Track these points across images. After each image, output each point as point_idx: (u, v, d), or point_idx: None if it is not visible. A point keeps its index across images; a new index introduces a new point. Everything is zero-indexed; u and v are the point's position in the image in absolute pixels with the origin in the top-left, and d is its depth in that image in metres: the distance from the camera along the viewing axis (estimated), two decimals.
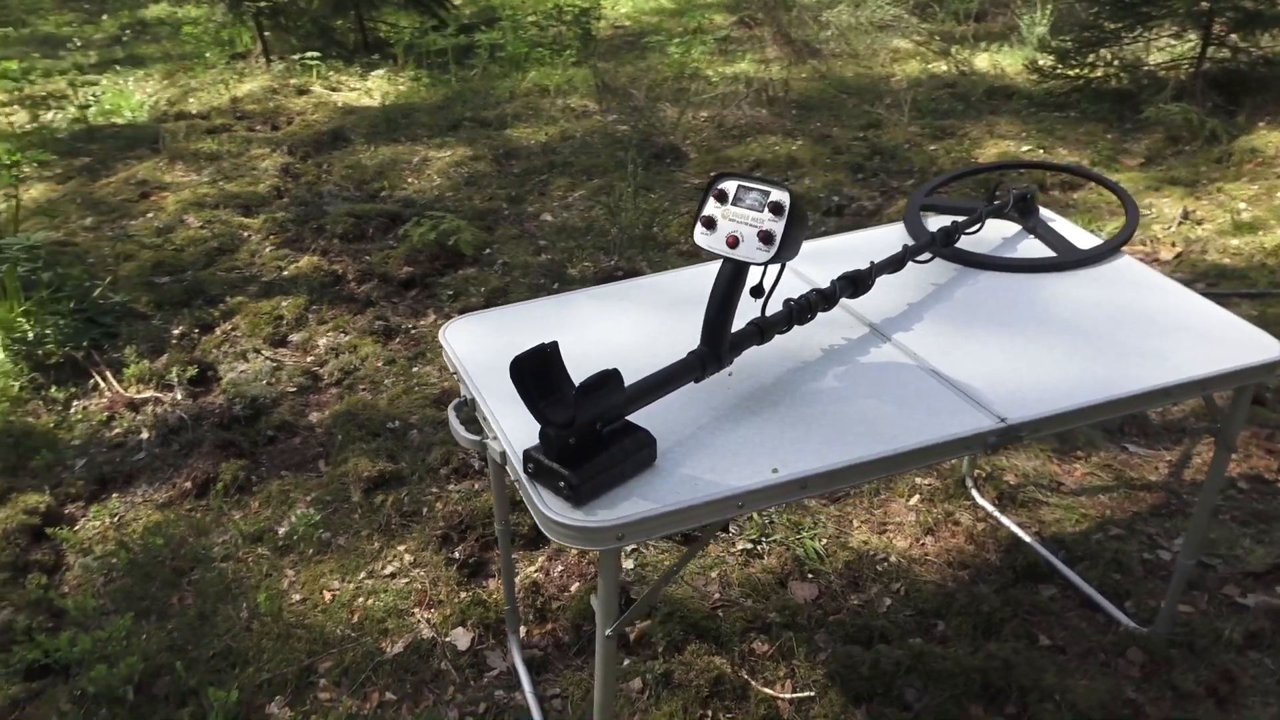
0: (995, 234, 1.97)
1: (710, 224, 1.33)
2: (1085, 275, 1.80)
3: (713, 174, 1.37)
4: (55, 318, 3.27)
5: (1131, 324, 1.63)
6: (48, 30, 9.58)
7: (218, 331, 3.36)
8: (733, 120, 5.20)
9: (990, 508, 2.34)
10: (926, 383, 1.45)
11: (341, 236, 4.10)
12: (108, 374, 3.05)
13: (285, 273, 3.75)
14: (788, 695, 1.85)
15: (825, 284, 1.57)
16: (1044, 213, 2.03)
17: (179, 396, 2.97)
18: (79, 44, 8.84)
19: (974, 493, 2.39)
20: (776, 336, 1.48)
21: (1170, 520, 2.29)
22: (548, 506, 1.16)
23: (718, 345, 1.34)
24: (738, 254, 1.30)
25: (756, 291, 1.39)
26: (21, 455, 2.67)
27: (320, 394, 3.00)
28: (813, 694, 1.84)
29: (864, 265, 1.62)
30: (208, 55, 8.27)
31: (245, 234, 4.17)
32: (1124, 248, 1.88)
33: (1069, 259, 1.84)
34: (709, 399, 1.40)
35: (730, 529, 2.31)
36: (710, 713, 1.81)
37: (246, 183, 4.78)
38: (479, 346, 1.58)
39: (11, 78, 5.67)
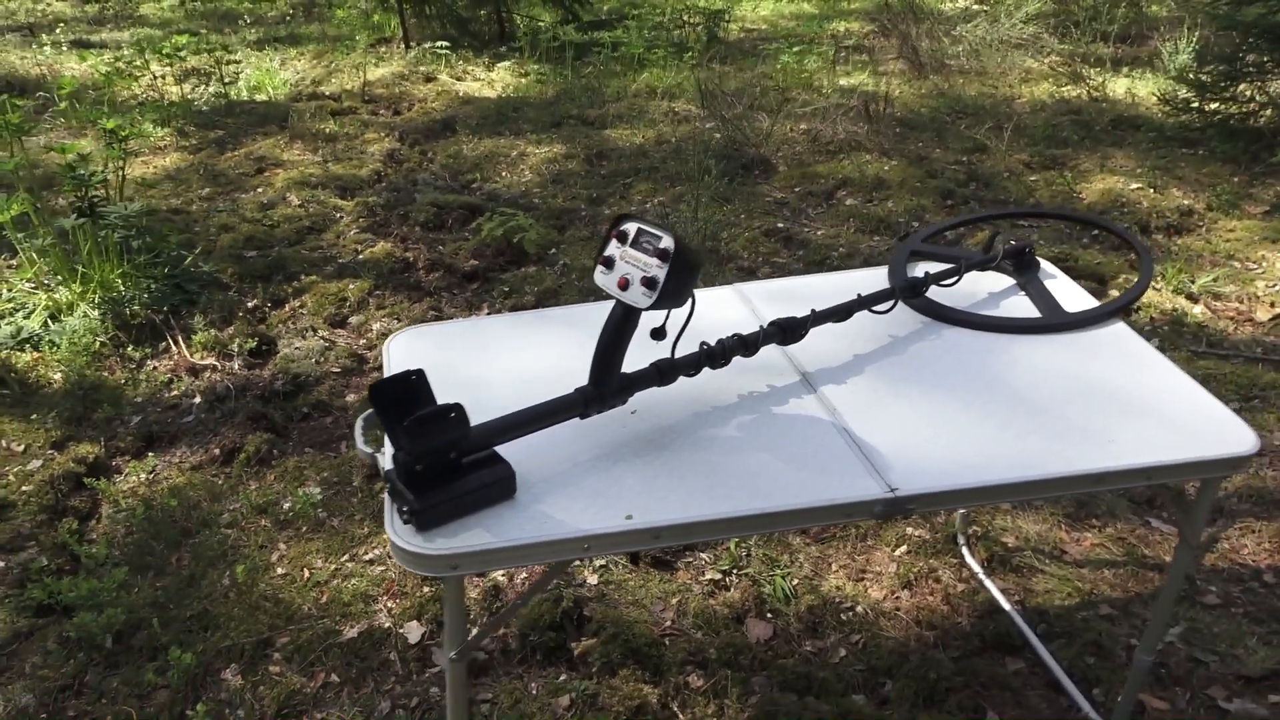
0: (983, 287, 1.88)
1: (609, 264, 1.34)
2: (1064, 341, 1.70)
3: (619, 214, 1.38)
4: (149, 281, 3.56)
5: (1090, 399, 1.53)
6: (229, 6, 10.32)
7: (287, 308, 3.58)
8: (829, 135, 5.09)
9: (976, 568, 2.23)
10: (832, 441, 1.41)
11: (423, 225, 4.27)
12: (179, 339, 3.30)
13: (360, 256, 3.95)
14: None
15: (777, 320, 1.55)
16: (1046, 268, 1.92)
17: (235, 367, 3.18)
18: (249, 21, 9.49)
19: (964, 550, 2.29)
20: (700, 376, 1.48)
21: (1173, 607, 2.13)
22: (393, 527, 1.21)
23: (602, 385, 1.34)
24: (626, 296, 1.30)
25: (656, 334, 1.38)
26: (88, 407, 2.93)
27: (362, 376, 3.15)
28: None
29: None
30: (357, 38, 8.70)
31: (338, 215, 4.40)
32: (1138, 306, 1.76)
33: (1052, 321, 1.74)
34: (599, 435, 1.41)
35: (704, 556, 2.30)
36: None
37: (352, 165, 5.04)
38: (415, 360, 1.64)
39: (165, 52, 6.15)
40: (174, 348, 3.28)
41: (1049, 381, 1.57)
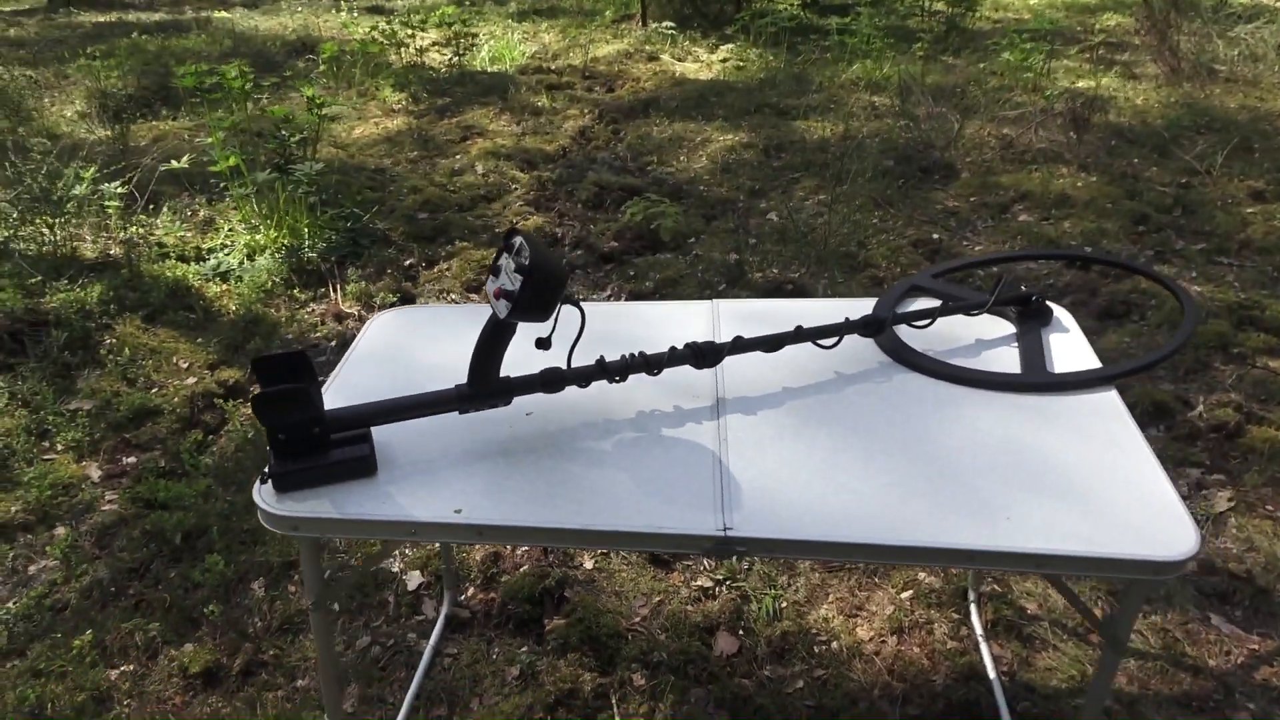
0: (974, 333, 1.75)
1: (495, 273, 1.42)
2: (1030, 403, 1.56)
3: (510, 229, 1.45)
4: (331, 233, 4.03)
5: (1014, 470, 1.41)
6: None
7: (436, 269, 3.91)
8: (1026, 142, 4.72)
9: (977, 628, 2.09)
10: (700, 471, 1.41)
11: (584, 203, 4.48)
12: (338, 287, 3.73)
13: (498, 226, 4.21)
14: None
15: (693, 343, 1.56)
16: (1061, 320, 1.76)
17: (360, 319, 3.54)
18: None
19: (971, 606, 2.14)
20: (616, 388, 1.53)
21: (1192, 716, 1.89)
22: (257, 486, 1.37)
23: (477, 385, 1.43)
24: (494, 305, 1.38)
25: (541, 344, 1.45)
26: (245, 337, 3.40)
27: None
28: None
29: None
30: (607, 14, 9.08)
31: (513, 187, 4.71)
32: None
33: (1027, 380, 1.60)
34: (482, 431, 1.50)
35: (705, 562, 2.32)
36: (548, 718, 1.91)
37: (544, 140, 5.34)
38: (389, 337, 1.81)
39: (412, 23, 6.77)
40: (331, 295, 3.70)
41: (981, 445, 1.46)
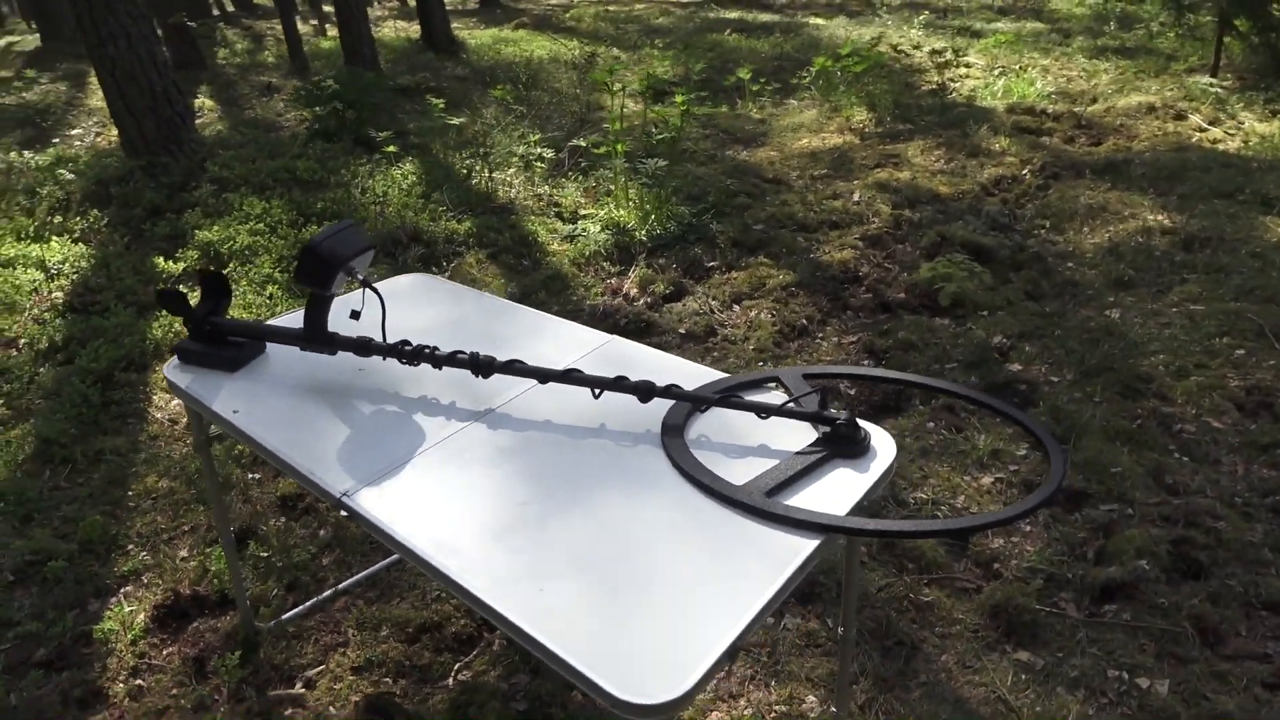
0: (776, 436, 1.61)
1: None
2: (723, 518, 1.46)
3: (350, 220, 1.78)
4: (672, 222, 4.54)
5: (625, 563, 1.38)
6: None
7: (724, 277, 4.18)
8: None
9: None
10: (391, 450, 1.60)
11: (921, 251, 4.31)
12: (634, 269, 4.23)
13: (824, 256, 4.25)
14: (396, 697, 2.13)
15: (480, 354, 1.76)
16: (880, 453, 1.54)
17: (641, 301, 3.98)
18: (1075, 30, 9.40)
19: None
20: (425, 369, 1.82)
21: None
22: (172, 357, 1.95)
23: (309, 330, 1.82)
24: None
25: (353, 315, 1.80)
26: (551, 294, 4.09)
27: (698, 342, 3.65)
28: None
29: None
30: (1191, 59, 8.09)
31: (869, 221, 4.68)
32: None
33: (741, 499, 1.47)
34: (315, 366, 1.88)
35: None
36: (388, 679, 2.20)
37: (948, 182, 5.14)
38: (393, 292, 2.27)
39: (900, 46, 6.80)
40: (629, 274, 4.22)
41: (627, 529, 1.44)
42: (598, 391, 1.68)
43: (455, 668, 2.18)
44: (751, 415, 1.63)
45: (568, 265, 4.27)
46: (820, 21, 11.36)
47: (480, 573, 1.37)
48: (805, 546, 1.38)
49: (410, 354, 1.77)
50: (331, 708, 2.09)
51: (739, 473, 1.53)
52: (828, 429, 1.56)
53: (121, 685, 2.18)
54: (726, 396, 1.63)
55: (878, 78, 6.87)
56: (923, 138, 5.92)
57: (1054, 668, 2.13)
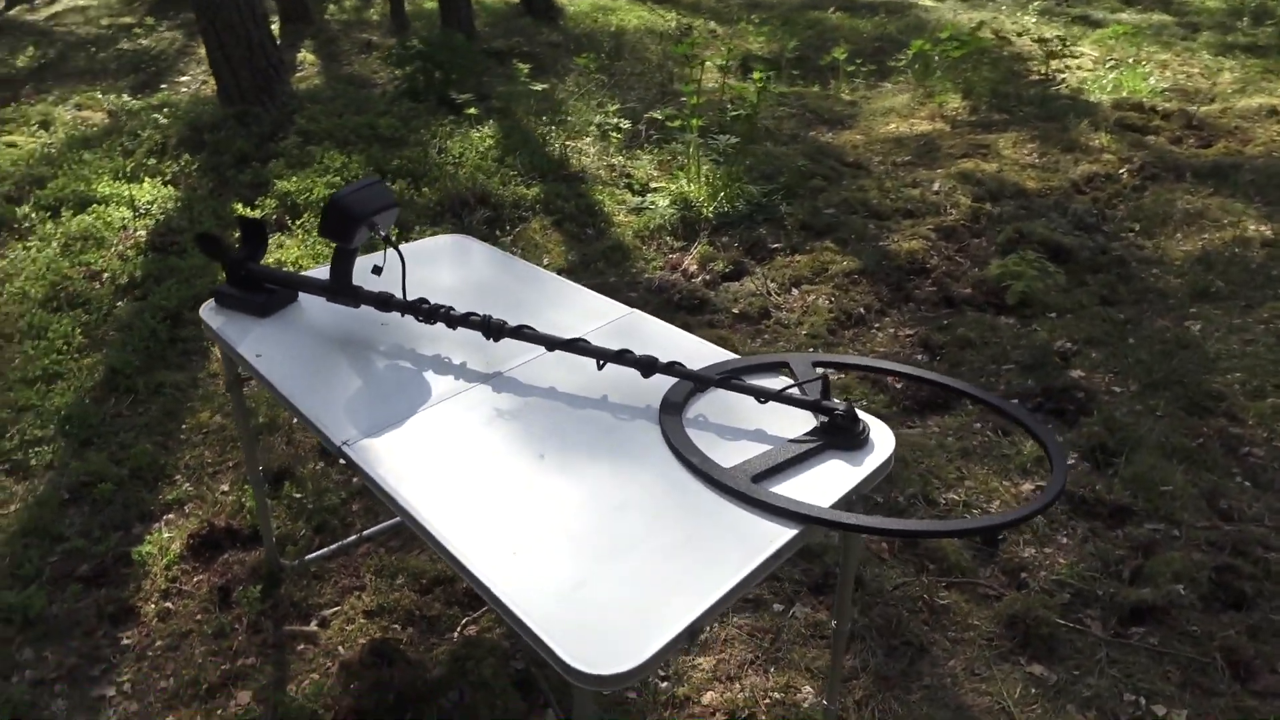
0: (776, 420, 1.59)
1: None
2: (707, 500, 1.45)
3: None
4: (742, 200, 4.49)
5: (606, 534, 1.39)
6: None
7: (789, 259, 4.11)
8: None
9: None
10: (396, 405, 1.65)
11: (997, 247, 4.16)
12: (697, 246, 4.20)
13: (892, 245, 4.14)
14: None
15: (493, 317, 1.78)
16: (878, 447, 1.51)
17: (700, 277, 3.95)
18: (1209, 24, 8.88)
19: None
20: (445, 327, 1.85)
21: None
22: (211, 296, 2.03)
23: (334, 283, 1.87)
24: None
25: (375, 270, 1.84)
26: (612, 264, 4.10)
27: (751, 323, 3.61)
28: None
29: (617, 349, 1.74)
30: None
31: (946, 211, 4.53)
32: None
33: (725, 481, 1.45)
34: (344, 318, 1.93)
35: None
36: (397, 626, 2.26)
37: (1036, 176, 4.94)
38: (433, 252, 2.30)
39: (1036, 36, 6.52)
40: (690, 250, 4.19)
41: (610, 498, 1.44)
42: (601, 363, 1.68)
43: (463, 622, 2.23)
44: (753, 399, 1.61)
45: (631, 237, 4.26)
46: (930, 3, 10.97)
47: (458, 530, 1.40)
48: (782, 535, 1.37)
49: (426, 312, 1.80)
50: (340, 647, 2.16)
51: (731, 455, 1.52)
52: (826, 419, 1.52)
53: (152, 606, 2.29)
54: (727, 378, 1.61)
55: (978, 64, 6.62)
56: (1017, 129, 5.69)
57: (1067, 685, 2.05)
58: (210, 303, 2.00)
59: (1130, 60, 7.29)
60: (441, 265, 2.21)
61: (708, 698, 2.04)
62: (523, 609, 1.27)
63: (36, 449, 2.79)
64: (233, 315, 1.96)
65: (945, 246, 4.15)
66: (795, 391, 1.58)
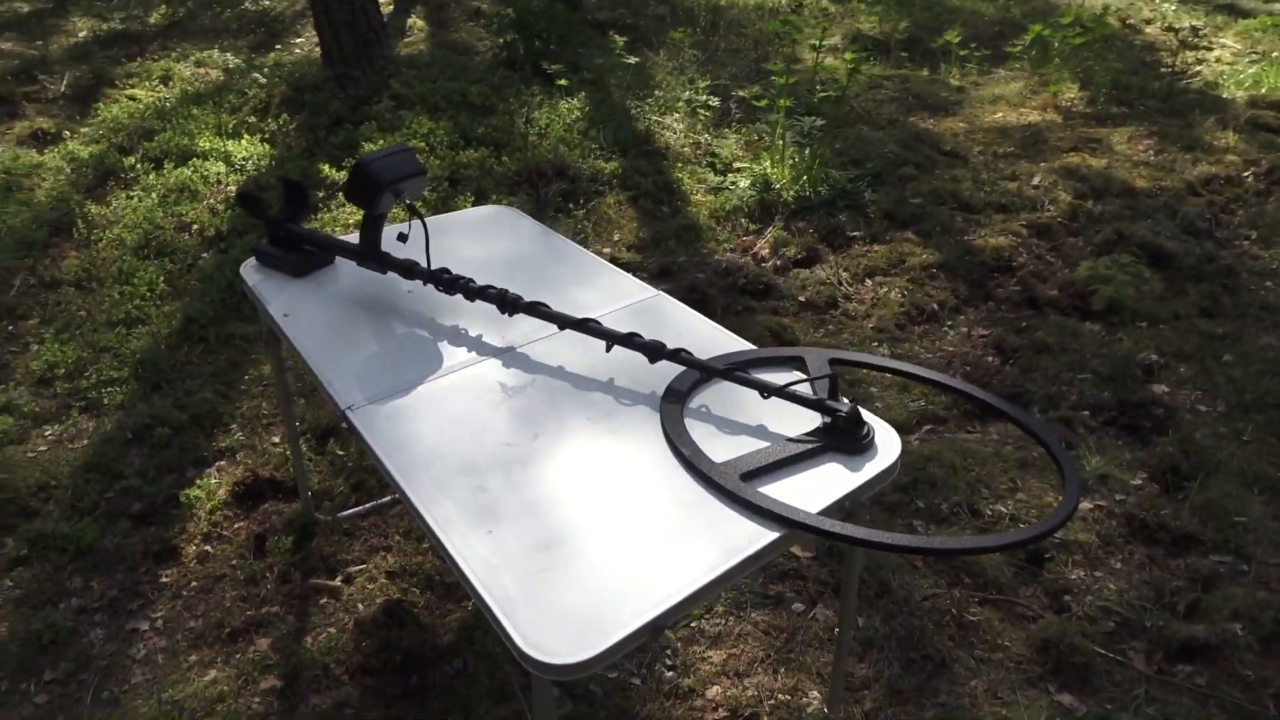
0: (778, 415, 1.53)
1: None
2: (693, 492, 1.41)
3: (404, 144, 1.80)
4: (826, 185, 4.36)
5: (592, 507, 1.38)
6: None
7: (866, 248, 3.97)
8: None
9: None
10: (404, 375, 1.65)
11: (1094, 248, 3.93)
12: (768, 231, 4.10)
13: (978, 240, 3.95)
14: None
15: (509, 291, 1.77)
16: (882, 450, 1.44)
17: (766, 265, 3.86)
18: None
19: None
20: (461, 297, 1.85)
21: None
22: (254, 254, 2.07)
23: (362, 248, 1.89)
24: None
25: (400, 237, 1.84)
26: (676, 238, 4.05)
27: (819, 312, 3.51)
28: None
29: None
30: None
31: (1043, 207, 4.30)
32: None
33: (713, 477, 1.41)
34: (370, 281, 1.95)
35: None
36: (415, 590, 2.28)
37: (1150, 174, 4.64)
38: (475, 223, 2.31)
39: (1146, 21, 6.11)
40: (764, 233, 4.09)
41: (587, 491, 1.42)
42: (609, 345, 1.65)
43: None
44: (758, 393, 1.55)
45: (706, 217, 4.19)
46: None
47: (441, 504, 1.39)
48: (763, 538, 1.31)
49: (447, 282, 1.80)
50: (360, 605, 2.21)
51: (727, 450, 1.47)
52: (829, 419, 1.46)
53: (193, 548, 2.39)
54: (732, 369, 1.55)
55: (1102, 52, 6.24)
56: (1135, 124, 5.35)
57: (1098, 719, 1.93)
58: (251, 260, 2.05)
59: (1276, 55, 6.76)
60: (484, 237, 2.21)
61: (712, 692, 2.00)
62: (487, 588, 1.26)
63: (110, 389, 2.94)
64: (270, 274, 2.01)
65: (1036, 244, 3.94)
66: (801, 388, 1.51)
